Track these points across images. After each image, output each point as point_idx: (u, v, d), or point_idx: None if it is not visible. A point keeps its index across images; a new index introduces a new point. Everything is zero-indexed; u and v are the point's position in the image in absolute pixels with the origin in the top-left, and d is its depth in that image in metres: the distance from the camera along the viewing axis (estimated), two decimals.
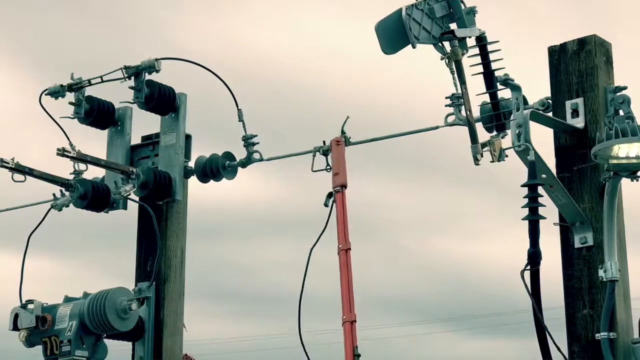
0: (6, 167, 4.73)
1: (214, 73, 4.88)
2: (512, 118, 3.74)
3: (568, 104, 4.03)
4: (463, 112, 3.99)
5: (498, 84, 3.91)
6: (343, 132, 4.38)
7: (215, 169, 4.93)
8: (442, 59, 3.92)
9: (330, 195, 4.21)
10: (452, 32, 3.94)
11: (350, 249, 4.03)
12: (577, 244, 3.92)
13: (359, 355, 3.84)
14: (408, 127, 4.43)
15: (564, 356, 3.82)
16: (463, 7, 4.02)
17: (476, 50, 4.01)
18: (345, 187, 4.18)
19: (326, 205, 4.20)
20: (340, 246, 4.05)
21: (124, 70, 4.80)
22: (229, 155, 4.96)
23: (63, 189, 4.89)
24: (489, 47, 4.00)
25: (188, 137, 5.05)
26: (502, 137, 3.95)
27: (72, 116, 5.00)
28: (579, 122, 4.00)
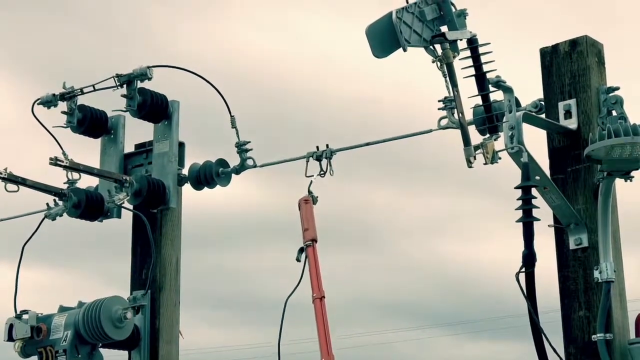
0: None
1: (206, 80, 4.87)
2: (504, 120, 3.74)
3: (561, 105, 4.03)
4: (456, 115, 3.98)
5: (490, 86, 3.89)
6: (310, 192, 4.46)
7: (209, 176, 4.92)
8: (433, 61, 3.91)
9: (301, 250, 4.30)
10: (443, 34, 3.93)
11: (324, 297, 4.13)
12: (572, 246, 3.91)
13: None
14: (402, 131, 4.43)
15: (561, 358, 3.81)
16: (454, 9, 4.01)
17: (467, 53, 4.00)
18: (316, 241, 4.29)
19: (298, 260, 4.30)
20: (314, 295, 4.14)
21: (116, 79, 4.79)
22: (222, 162, 4.95)
23: (56, 199, 4.88)
24: (480, 50, 3.99)
25: (181, 145, 5.03)
26: (495, 140, 3.93)
27: (65, 125, 4.98)
28: (572, 123, 3.99)
